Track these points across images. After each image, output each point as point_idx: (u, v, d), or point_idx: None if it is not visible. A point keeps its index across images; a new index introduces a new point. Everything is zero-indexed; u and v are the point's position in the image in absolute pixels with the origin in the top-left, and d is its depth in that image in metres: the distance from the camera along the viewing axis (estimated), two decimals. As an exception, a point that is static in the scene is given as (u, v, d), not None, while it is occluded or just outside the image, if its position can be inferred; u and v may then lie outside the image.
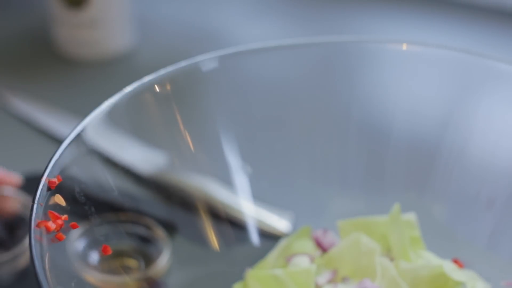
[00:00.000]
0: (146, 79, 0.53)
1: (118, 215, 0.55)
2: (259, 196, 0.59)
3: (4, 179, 0.61)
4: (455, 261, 0.55)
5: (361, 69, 0.59)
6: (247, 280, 0.54)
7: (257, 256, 0.57)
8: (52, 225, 0.44)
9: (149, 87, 0.54)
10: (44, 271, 0.41)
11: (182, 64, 0.55)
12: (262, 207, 0.60)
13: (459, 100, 0.58)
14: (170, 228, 0.57)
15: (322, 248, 0.56)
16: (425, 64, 0.58)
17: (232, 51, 0.57)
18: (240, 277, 0.55)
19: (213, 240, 0.57)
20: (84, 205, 0.49)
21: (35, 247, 0.42)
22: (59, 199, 0.46)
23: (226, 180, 0.59)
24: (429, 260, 0.55)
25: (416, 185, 0.58)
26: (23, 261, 0.61)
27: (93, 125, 0.50)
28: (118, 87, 0.53)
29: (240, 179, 0.59)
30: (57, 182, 0.45)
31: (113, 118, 0.52)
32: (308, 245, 0.56)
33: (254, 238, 0.59)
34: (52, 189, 0.45)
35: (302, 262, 0.54)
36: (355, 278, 0.54)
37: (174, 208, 0.60)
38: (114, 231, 0.55)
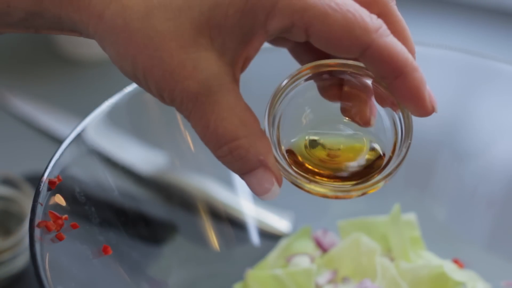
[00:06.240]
0: (146, 79, 0.53)
1: (118, 215, 0.55)
2: (259, 196, 0.59)
3: None
4: (455, 261, 0.55)
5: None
6: (247, 280, 0.54)
7: (257, 256, 0.57)
8: (52, 225, 0.44)
9: (149, 87, 0.53)
10: (44, 271, 0.41)
11: (182, 64, 0.55)
12: (262, 207, 0.60)
13: (459, 99, 0.58)
14: (170, 228, 0.57)
15: (322, 248, 0.56)
16: (425, 64, 0.58)
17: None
18: (240, 277, 0.55)
19: (213, 240, 0.57)
20: (84, 205, 0.49)
21: (35, 247, 0.42)
22: (59, 199, 0.46)
23: (226, 180, 0.59)
24: (429, 260, 0.55)
25: (416, 185, 0.58)
26: (22, 261, 0.61)
27: (93, 125, 0.50)
28: (118, 87, 0.53)
29: (240, 179, 0.58)
30: (57, 182, 0.45)
31: (113, 118, 0.52)
32: (308, 245, 0.56)
33: (254, 238, 0.59)
34: (52, 189, 0.45)
35: (302, 262, 0.54)
36: (355, 278, 0.54)
37: (174, 208, 0.60)
38: (114, 231, 0.55)
